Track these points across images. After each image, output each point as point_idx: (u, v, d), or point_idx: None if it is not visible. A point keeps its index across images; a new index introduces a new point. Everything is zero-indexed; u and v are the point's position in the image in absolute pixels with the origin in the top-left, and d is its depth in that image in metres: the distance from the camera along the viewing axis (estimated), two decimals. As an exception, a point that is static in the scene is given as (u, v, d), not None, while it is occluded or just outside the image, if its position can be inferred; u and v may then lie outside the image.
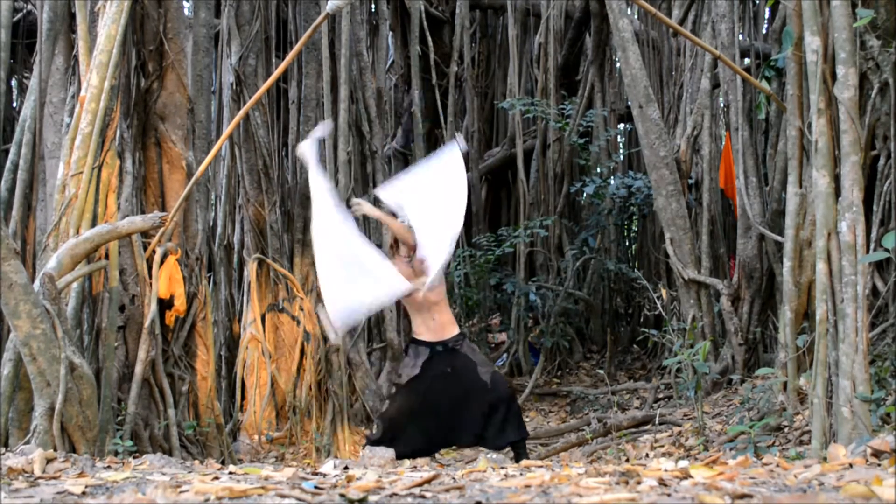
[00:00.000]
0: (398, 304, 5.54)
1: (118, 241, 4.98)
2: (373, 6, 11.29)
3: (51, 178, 5.77)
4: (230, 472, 3.10)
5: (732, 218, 9.70)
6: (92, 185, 4.95)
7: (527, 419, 9.11)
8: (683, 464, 2.90)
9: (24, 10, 10.07)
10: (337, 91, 8.04)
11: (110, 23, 5.06)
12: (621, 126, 14.18)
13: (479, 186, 13.14)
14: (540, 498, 2.15)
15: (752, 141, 7.75)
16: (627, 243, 13.31)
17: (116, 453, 4.51)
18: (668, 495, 2.12)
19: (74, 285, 4.79)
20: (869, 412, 3.64)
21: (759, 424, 4.72)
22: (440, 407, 5.09)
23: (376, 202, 5.56)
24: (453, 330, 5.22)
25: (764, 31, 10.49)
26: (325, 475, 2.97)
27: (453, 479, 2.72)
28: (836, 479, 2.37)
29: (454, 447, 5.42)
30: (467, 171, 12.84)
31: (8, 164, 6.54)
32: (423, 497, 2.27)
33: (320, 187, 5.01)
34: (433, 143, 13.00)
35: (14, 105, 11.18)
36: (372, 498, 2.24)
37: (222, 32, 8.24)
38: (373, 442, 5.20)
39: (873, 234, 4.49)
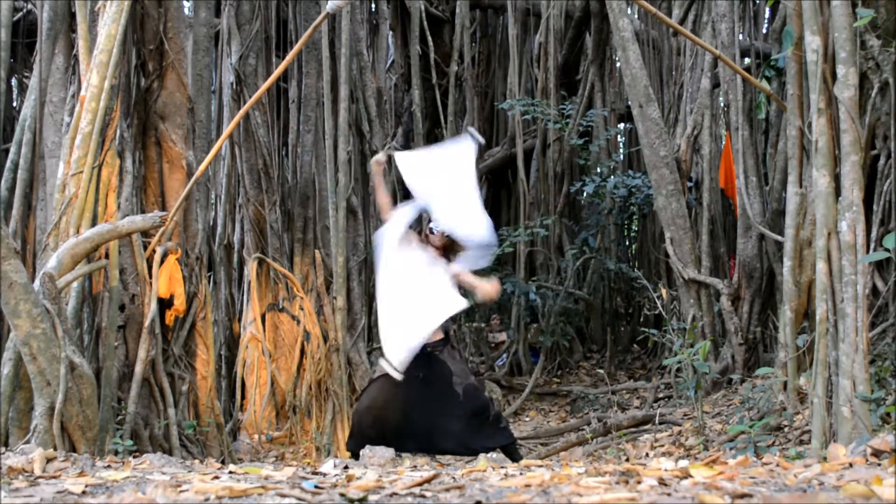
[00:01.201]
0: None
1: (118, 241, 4.98)
2: (373, 6, 11.29)
3: (51, 178, 5.76)
4: (230, 472, 3.10)
5: (732, 217, 9.71)
6: (92, 184, 4.95)
7: (527, 419, 9.13)
8: (683, 463, 2.90)
9: (25, 10, 10.07)
10: (337, 90, 8.05)
11: (110, 22, 5.06)
12: (621, 125, 14.18)
13: (480, 186, 13.13)
14: (540, 497, 2.15)
15: (753, 140, 7.75)
16: (627, 243, 13.31)
17: (116, 452, 4.51)
18: (668, 495, 2.12)
19: (74, 285, 4.79)
20: (869, 412, 3.64)
21: (759, 424, 4.72)
22: (406, 410, 4.97)
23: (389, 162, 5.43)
24: (437, 335, 5.07)
25: (764, 31, 10.50)
26: (325, 475, 2.97)
27: (453, 478, 2.72)
28: (836, 479, 2.37)
29: (426, 453, 5.31)
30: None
31: (8, 164, 6.53)
32: (423, 496, 2.27)
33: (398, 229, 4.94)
34: (433, 142, 13.01)
35: (14, 104, 11.19)
36: (372, 497, 2.24)
37: (222, 32, 8.24)
38: (348, 438, 5.18)
39: (873, 234, 4.48)
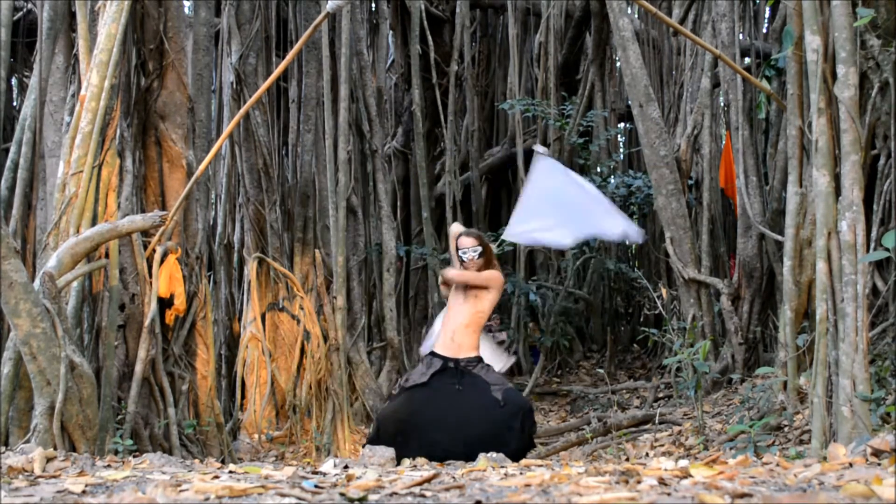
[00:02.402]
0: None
1: (118, 240, 4.98)
2: (373, 5, 11.29)
3: (51, 177, 5.76)
4: (230, 471, 3.10)
5: (733, 217, 9.71)
6: (92, 183, 4.95)
7: (527, 418, 9.12)
8: (683, 463, 2.90)
9: (25, 9, 10.07)
10: (337, 90, 8.04)
11: (110, 21, 5.06)
12: (621, 125, 14.19)
13: (480, 185, 13.13)
14: (540, 497, 2.15)
15: (753, 140, 7.75)
16: (627, 242, 13.31)
17: (116, 452, 4.51)
18: (668, 494, 2.12)
19: (74, 284, 4.78)
20: (869, 411, 3.64)
21: (759, 424, 4.72)
22: (442, 421, 4.99)
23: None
24: (470, 353, 5.16)
25: (764, 31, 10.50)
26: (325, 474, 2.97)
27: (453, 478, 2.72)
28: (836, 479, 2.37)
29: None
30: (468, 170, 12.91)
31: (8, 163, 6.54)
32: (423, 496, 2.27)
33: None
34: (433, 141, 13.02)
35: (14, 104, 11.18)
36: (372, 497, 2.24)
37: (222, 31, 8.24)
38: (368, 441, 5.18)
39: (873, 234, 4.48)
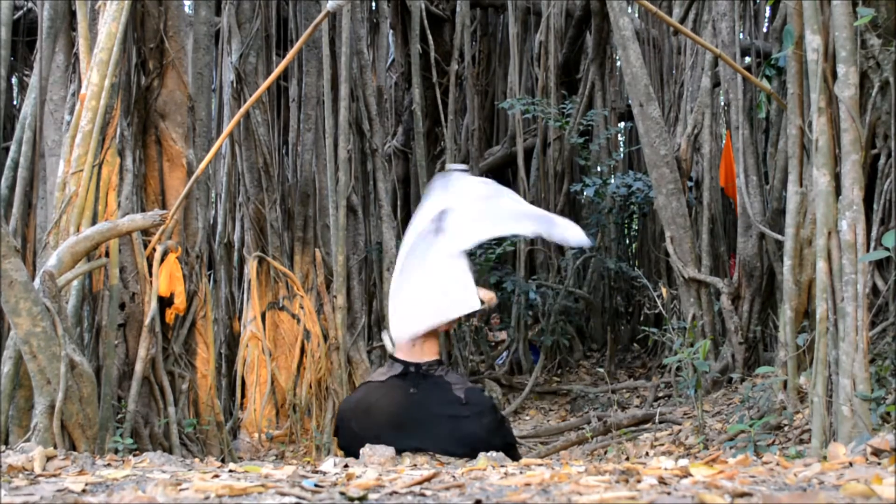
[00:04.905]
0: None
1: (118, 239, 4.98)
2: (373, 4, 11.29)
3: (51, 176, 5.76)
4: (230, 470, 3.10)
5: (733, 216, 9.72)
6: (92, 182, 4.95)
7: (527, 417, 9.13)
8: (683, 462, 2.90)
9: (25, 8, 10.07)
10: (337, 89, 8.04)
11: (111, 20, 5.06)
12: (622, 124, 14.19)
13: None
14: (540, 496, 2.15)
15: (753, 139, 7.75)
16: (628, 242, 13.31)
17: (116, 451, 4.51)
18: (668, 494, 2.12)
19: (75, 283, 4.78)
20: (869, 411, 3.64)
21: (759, 423, 4.72)
22: (396, 418, 5.00)
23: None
24: (432, 357, 5.19)
25: (764, 30, 10.51)
26: (325, 473, 2.98)
27: (453, 477, 2.72)
28: (836, 478, 2.37)
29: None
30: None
31: (8, 162, 6.54)
32: (423, 495, 2.27)
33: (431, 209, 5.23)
34: (433, 141, 13.02)
35: (14, 103, 11.18)
36: (372, 496, 2.24)
37: (223, 30, 8.24)
38: (334, 433, 5.29)
39: (874, 233, 4.48)
